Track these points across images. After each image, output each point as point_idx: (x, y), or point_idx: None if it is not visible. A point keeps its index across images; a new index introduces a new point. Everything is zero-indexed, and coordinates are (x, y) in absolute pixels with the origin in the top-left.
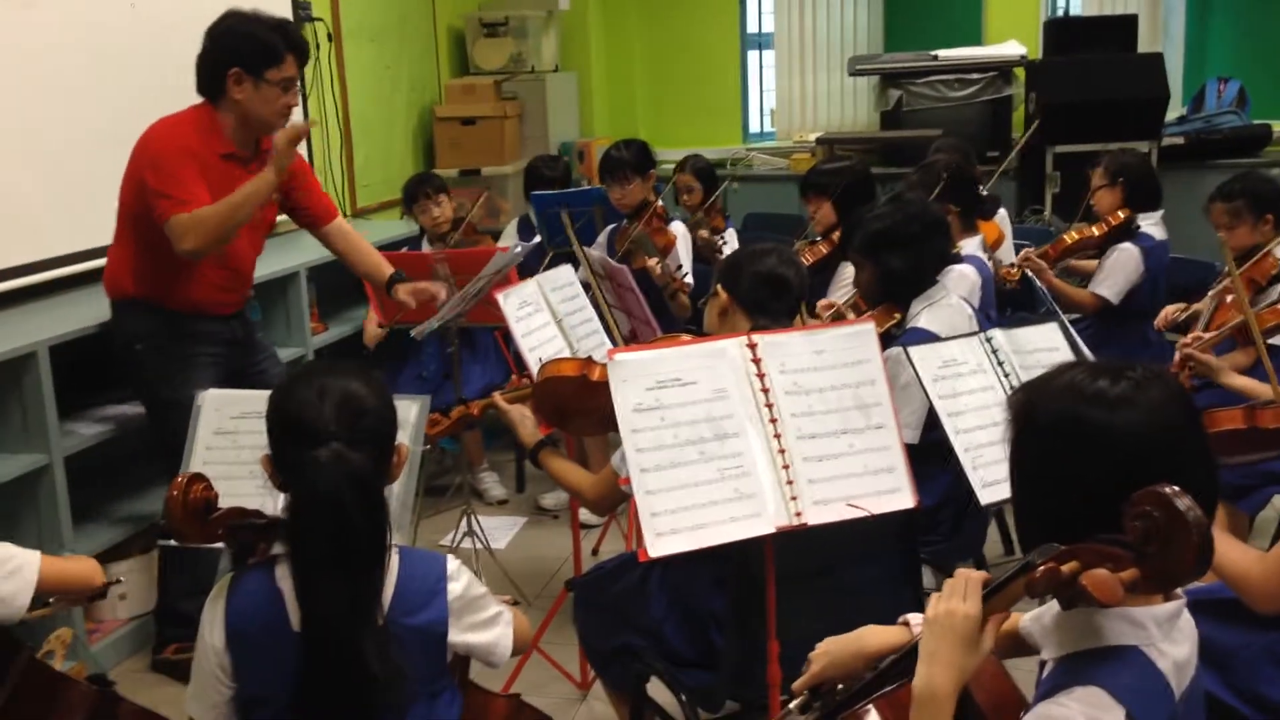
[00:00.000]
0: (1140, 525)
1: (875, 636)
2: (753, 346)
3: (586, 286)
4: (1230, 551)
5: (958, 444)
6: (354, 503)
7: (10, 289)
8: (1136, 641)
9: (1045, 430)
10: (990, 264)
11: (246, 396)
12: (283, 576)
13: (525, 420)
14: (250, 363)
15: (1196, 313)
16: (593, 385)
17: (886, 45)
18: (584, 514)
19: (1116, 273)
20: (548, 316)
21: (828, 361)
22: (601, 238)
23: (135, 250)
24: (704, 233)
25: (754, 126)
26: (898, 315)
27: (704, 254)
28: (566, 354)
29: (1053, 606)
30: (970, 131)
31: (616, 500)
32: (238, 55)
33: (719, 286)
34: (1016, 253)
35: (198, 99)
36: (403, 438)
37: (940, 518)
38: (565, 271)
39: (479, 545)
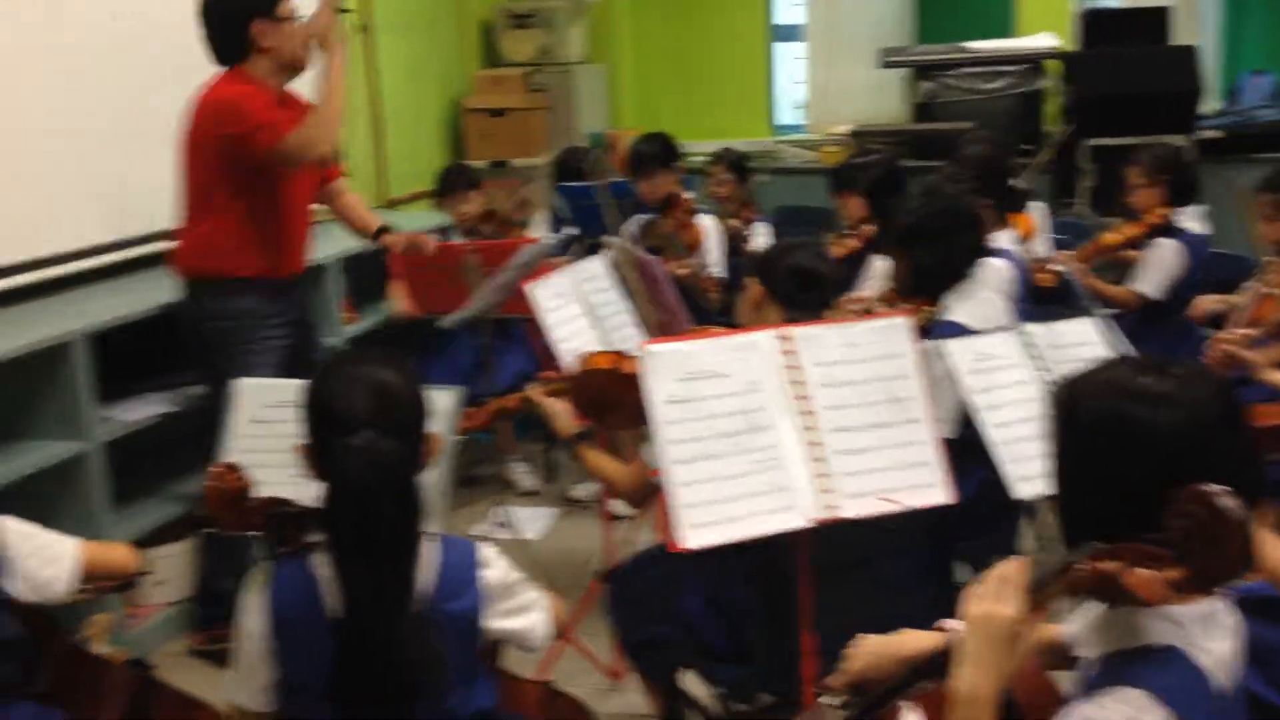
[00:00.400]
0: (1182, 524)
1: (914, 640)
2: (786, 339)
3: (618, 277)
4: (1276, 550)
5: (993, 438)
6: (385, 490)
7: (49, 277)
8: (1176, 641)
9: (1087, 427)
10: (1023, 257)
11: (280, 385)
12: (319, 564)
13: (560, 413)
14: (307, 344)
15: (1233, 306)
16: (625, 378)
17: (918, 37)
18: (615, 505)
19: (1158, 268)
20: (579, 308)
21: (861, 355)
22: (631, 228)
23: (202, 228)
24: (733, 222)
25: (781, 119)
26: (930, 309)
27: (735, 246)
28: (598, 346)
29: (1092, 607)
30: (1002, 124)
31: (650, 492)
32: (250, 8)
33: (752, 279)
34: (1054, 247)
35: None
36: (435, 427)
37: (976, 513)
38: (596, 263)
39: (510, 536)
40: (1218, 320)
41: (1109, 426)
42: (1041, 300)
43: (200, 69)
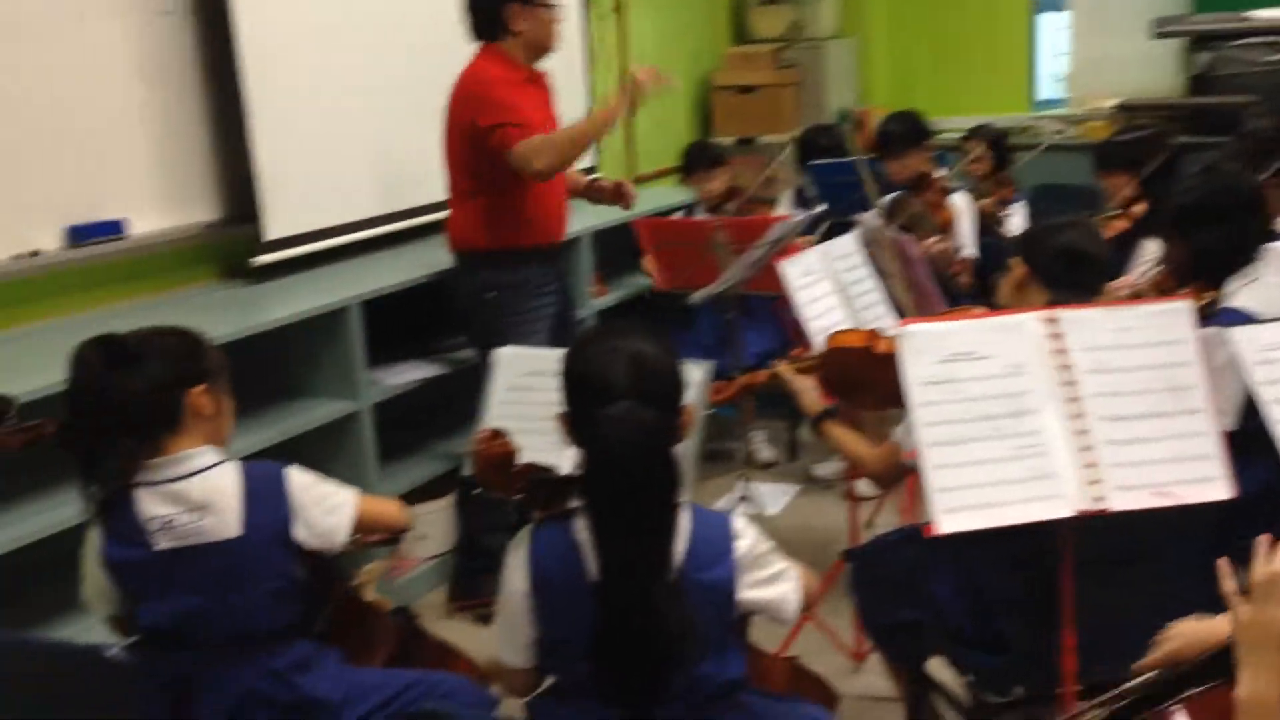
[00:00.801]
0: None
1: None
2: (1053, 322)
3: (869, 255)
4: None
5: None
6: (644, 458)
7: (328, 247)
8: None
9: None
10: None
11: (538, 354)
12: (580, 529)
13: (808, 390)
14: (568, 312)
15: None
16: (877, 358)
17: (1195, 5)
18: (861, 485)
19: None
20: (830, 286)
21: (1135, 340)
22: (881, 206)
23: (475, 202)
24: (987, 202)
25: (1043, 93)
26: (1211, 294)
27: (988, 225)
28: (848, 324)
29: None
30: None
31: (900, 473)
32: None
33: (1016, 259)
34: None
35: None
36: (689, 399)
37: (1258, 511)
38: (848, 241)
39: (751, 511)
40: None
41: None
42: None
43: (465, 43)
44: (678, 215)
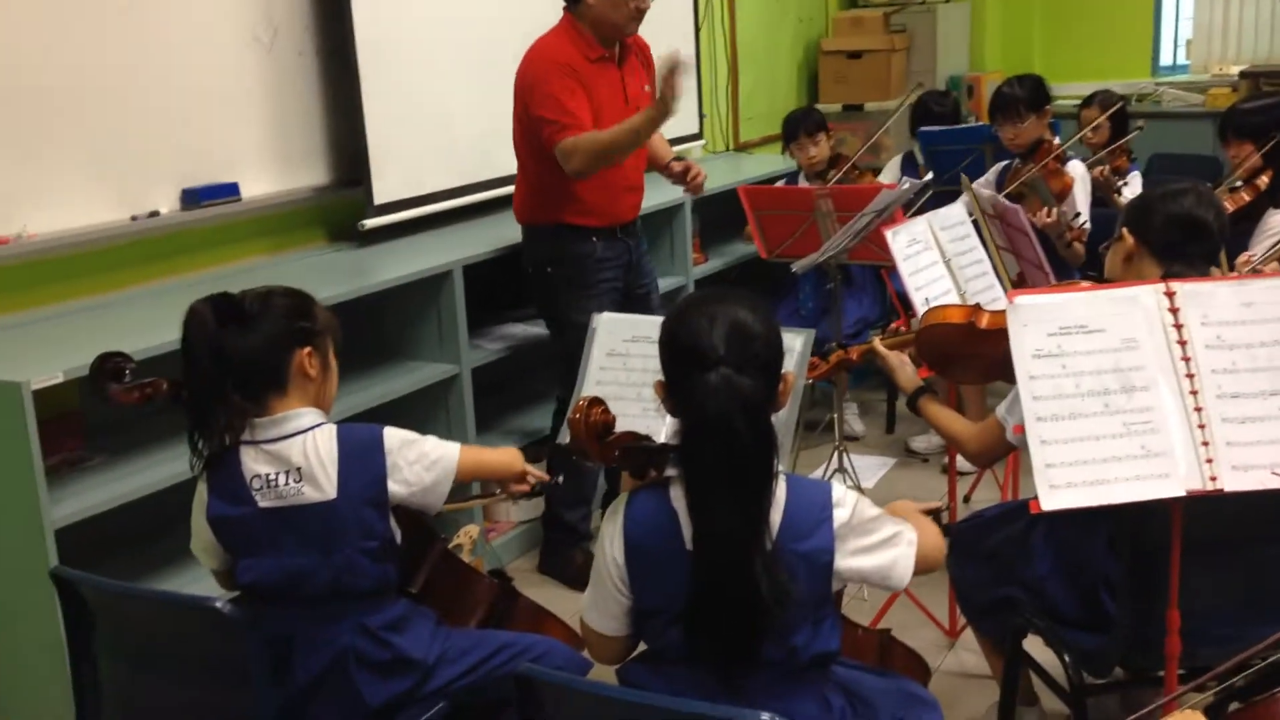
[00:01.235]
0: None
1: None
2: (1170, 295)
3: (975, 225)
4: None
5: None
6: (742, 426)
7: (431, 212)
8: None
9: None
10: None
11: (637, 321)
12: (677, 497)
13: (904, 366)
14: (638, 284)
15: None
16: (980, 333)
17: None
18: (960, 461)
19: None
20: (936, 256)
21: (1259, 315)
22: (990, 175)
23: (536, 176)
24: (1103, 169)
25: (1164, 59)
26: None
27: (1102, 195)
28: (953, 295)
29: None
30: None
31: (1000, 452)
32: None
33: (1125, 230)
34: None
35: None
36: (789, 367)
37: None
38: (956, 210)
39: (847, 483)
40: None
41: None
42: None
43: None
44: (781, 183)
